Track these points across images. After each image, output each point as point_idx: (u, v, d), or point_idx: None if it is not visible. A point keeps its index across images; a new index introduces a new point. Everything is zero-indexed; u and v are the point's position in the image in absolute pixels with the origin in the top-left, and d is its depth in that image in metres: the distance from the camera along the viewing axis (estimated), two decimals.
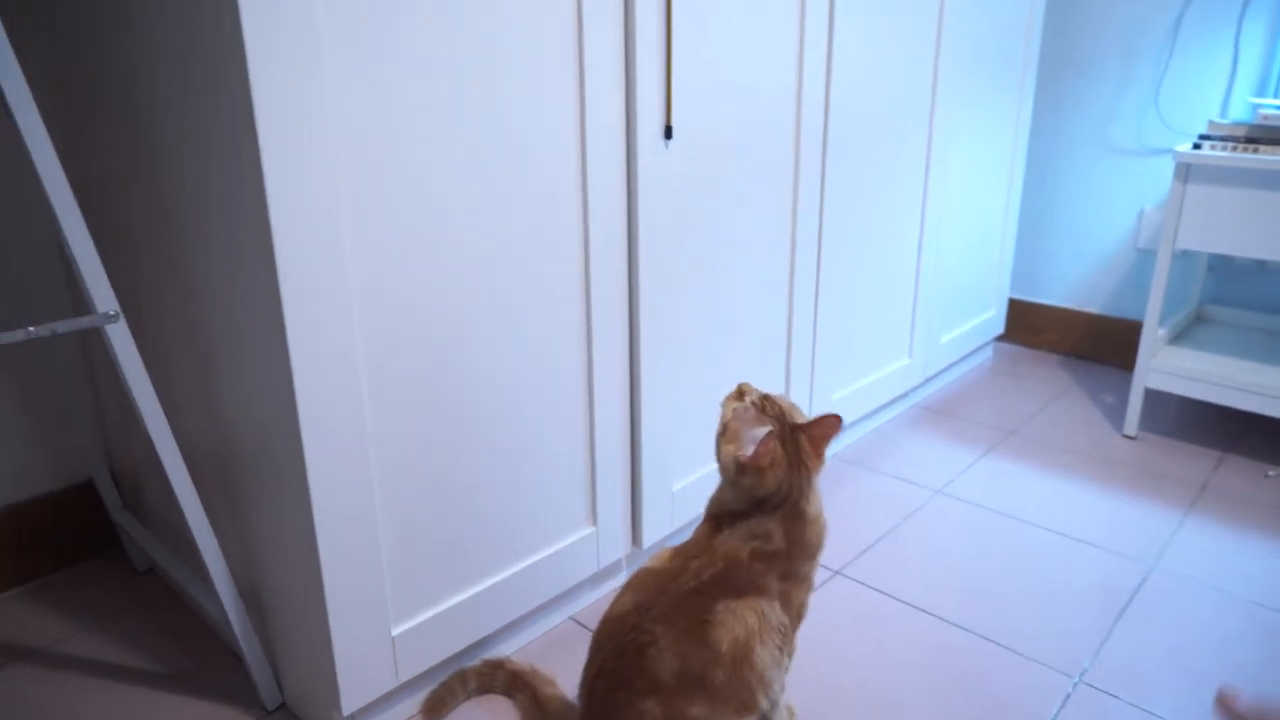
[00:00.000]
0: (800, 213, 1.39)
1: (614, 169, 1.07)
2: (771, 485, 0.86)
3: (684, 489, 1.30)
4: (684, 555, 0.88)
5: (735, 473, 0.86)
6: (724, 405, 0.91)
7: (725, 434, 0.88)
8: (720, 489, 0.91)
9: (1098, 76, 2.08)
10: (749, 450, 0.84)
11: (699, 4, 1.11)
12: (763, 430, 0.85)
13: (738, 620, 0.83)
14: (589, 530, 1.18)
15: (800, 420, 0.89)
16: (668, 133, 1.11)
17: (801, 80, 1.32)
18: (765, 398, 0.90)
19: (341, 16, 0.78)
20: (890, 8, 1.47)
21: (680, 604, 0.84)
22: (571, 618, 1.23)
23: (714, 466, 0.98)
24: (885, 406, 1.86)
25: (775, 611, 0.86)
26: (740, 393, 0.91)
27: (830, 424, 0.87)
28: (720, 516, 0.90)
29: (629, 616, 0.85)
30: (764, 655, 0.84)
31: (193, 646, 1.16)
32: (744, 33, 1.20)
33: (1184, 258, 2.04)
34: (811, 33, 1.31)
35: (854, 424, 1.77)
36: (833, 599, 1.27)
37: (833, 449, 1.72)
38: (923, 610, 1.24)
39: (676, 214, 1.17)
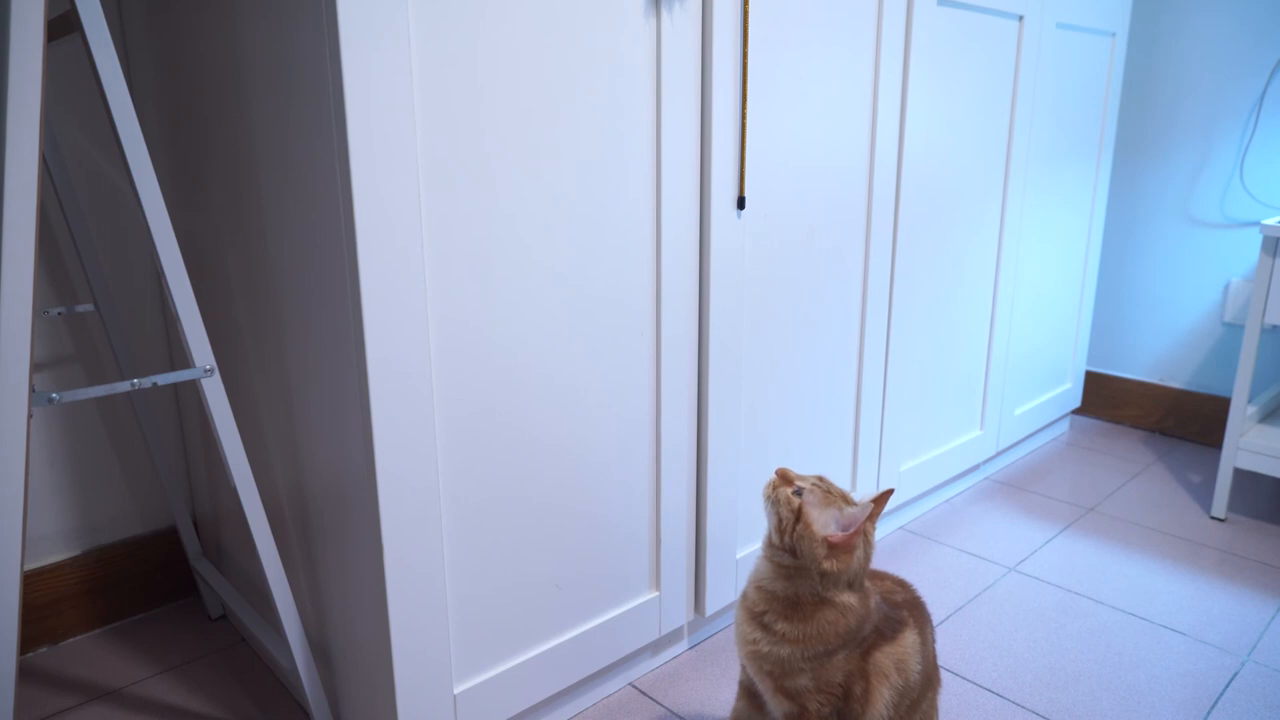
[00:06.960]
0: (871, 283, 1.39)
1: (688, 235, 1.09)
2: (856, 566, 0.88)
3: (747, 557, 1.28)
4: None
5: (824, 556, 0.87)
6: (771, 493, 0.90)
7: (800, 520, 0.87)
8: (771, 581, 0.91)
9: (1178, 148, 2.04)
10: (834, 532, 0.87)
11: (775, 85, 1.14)
12: (857, 511, 0.87)
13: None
14: (652, 595, 1.17)
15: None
16: (740, 203, 1.13)
17: (874, 151, 1.33)
18: (816, 482, 0.90)
19: (436, 112, 0.83)
20: (963, 81, 1.48)
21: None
22: (631, 684, 1.21)
23: None
24: (956, 479, 1.82)
25: None
26: (786, 478, 0.90)
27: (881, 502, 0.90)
28: (796, 599, 0.89)
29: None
30: None
31: (259, 695, 1.19)
32: (818, 108, 1.22)
33: (1274, 333, 1.96)
34: (885, 105, 1.33)
35: (923, 496, 1.73)
36: None
37: (902, 520, 1.68)
38: (995, 693, 1.19)
39: (747, 280, 1.18)
